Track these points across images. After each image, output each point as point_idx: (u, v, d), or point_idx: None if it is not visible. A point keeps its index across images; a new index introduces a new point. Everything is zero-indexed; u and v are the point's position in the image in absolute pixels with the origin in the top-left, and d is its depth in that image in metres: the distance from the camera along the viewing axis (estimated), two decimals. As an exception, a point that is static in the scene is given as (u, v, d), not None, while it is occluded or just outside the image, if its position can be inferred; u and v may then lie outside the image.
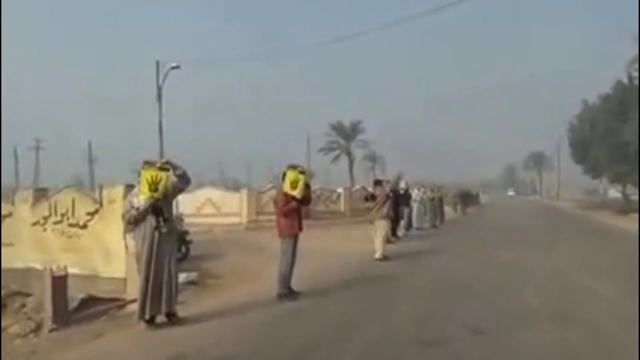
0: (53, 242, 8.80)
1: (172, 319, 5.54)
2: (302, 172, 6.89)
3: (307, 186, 6.99)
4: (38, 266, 8.27)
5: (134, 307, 5.77)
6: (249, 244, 13.04)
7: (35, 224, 9.05)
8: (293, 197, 6.84)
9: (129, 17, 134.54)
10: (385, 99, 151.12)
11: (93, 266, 8.40)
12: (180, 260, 10.40)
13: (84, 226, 8.64)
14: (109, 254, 8.12)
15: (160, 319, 5.48)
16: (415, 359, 4.52)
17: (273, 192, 10.72)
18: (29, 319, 6.91)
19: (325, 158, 57.27)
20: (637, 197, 31.94)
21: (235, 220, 20.84)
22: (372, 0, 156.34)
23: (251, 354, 4.67)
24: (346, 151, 56.98)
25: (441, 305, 6.45)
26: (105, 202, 8.40)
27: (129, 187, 7.06)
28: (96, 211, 8.52)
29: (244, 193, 21.99)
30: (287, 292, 6.76)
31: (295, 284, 7.00)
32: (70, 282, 7.85)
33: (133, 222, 5.61)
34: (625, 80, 29.92)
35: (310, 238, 14.72)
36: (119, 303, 7.43)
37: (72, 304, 7.46)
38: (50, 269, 5.99)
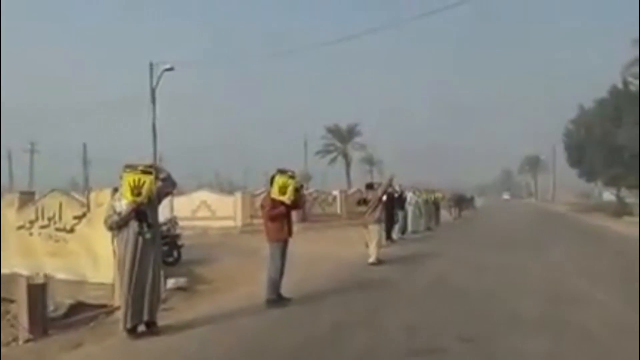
0: (39, 246, 8.64)
1: (153, 328, 5.37)
2: (291, 177, 6.75)
3: (297, 191, 6.85)
4: (24, 271, 8.11)
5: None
6: (243, 247, 12.90)
7: (20, 228, 8.89)
8: (282, 203, 6.71)
9: (125, 17, 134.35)
10: (382, 102, 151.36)
11: (81, 271, 8.26)
12: (171, 264, 10.31)
13: (72, 230, 8.49)
14: (97, 259, 7.95)
15: (141, 328, 5.31)
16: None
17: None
18: (12, 326, 6.73)
19: (323, 161, 57.33)
20: (632, 200, 32.04)
21: (230, 223, 20.72)
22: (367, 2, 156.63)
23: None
24: (343, 154, 56.96)
25: (433, 312, 6.33)
26: (92, 205, 8.25)
27: (117, 191, 6.91)
28: (84, 215, 8.38)
29: (238, 196, 21.85)
30: (276, 299, 6.61)
31: (285, 289, 6.86)
32: (58, 288, 7.75)
33: (115, 227, 5.45)
34: (620, 85, 30.07)
35: (305, 240, 14.66)
36: (107, 309, 7.28)
37: (61, 310, 7.34)
38: (27, 278, 5.80)
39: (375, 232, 10.86)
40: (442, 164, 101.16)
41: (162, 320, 5.66)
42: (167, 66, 21.81)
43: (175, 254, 10.48)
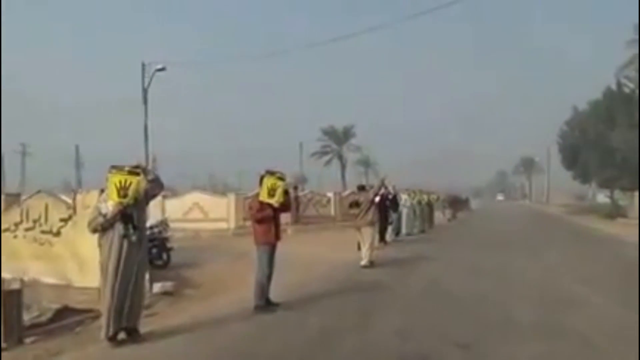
0: (24, 249, 8.45)
1: (134, 335, 5.20)
2: (280, 178, 6.60)
3: (286, 193, 6.70)
4: (7, 275, 7.91)
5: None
6: (234, 250, 12.70)
7: (5, 230, 8.68)
8: (270, 205, 6.56)
9: (121, 17, 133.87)
10: (377, 103, 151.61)
11: (66, 275, 8.10)
12: (161, 267, 10.14)
13: (57, 233, 8.35)
14: (83, 263, 7.80)
15: (122, 335, 5.13)
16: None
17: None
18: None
19: (318, 163, 57.25)
20: (625, 202, 32.12)
21: (223, 225, 20.50)
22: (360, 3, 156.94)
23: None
24: (338, 155, 56.92)
25: (427, 317, 6.20)
26: (79, 207, 8.10)
27: (103, 192, 6.77)
28: (70, 217, 8.24)
29: (231, 198, 21.63)
30: (265, 304, 6.45)
31: (274, 294, 6.70)
32: (43, 292, 7.57)
33: (100, 229, 5.29)
34: (614, 87, 30.18)
35: (297, 242, 14.55)
36: (94, 314, 7.10)
37: (46, 316, 7.16)
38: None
39: (368, 234, 10.72)
40: (437, 165, 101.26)
41: (145, 326, 5.50)
42: (159, 66, 21.66)
43: (164, 256, 10.31)
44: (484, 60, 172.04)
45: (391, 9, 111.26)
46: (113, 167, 5.29)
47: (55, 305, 7.34)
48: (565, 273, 9.49)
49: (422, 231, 19.80)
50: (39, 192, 9.02)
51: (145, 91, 21.86)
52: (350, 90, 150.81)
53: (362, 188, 11.86)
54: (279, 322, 5.97)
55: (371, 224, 10.90)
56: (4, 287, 5.41)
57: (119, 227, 5.20)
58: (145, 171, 5.47)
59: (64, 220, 8.27)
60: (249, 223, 18.84)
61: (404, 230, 17.99)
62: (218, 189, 33.22)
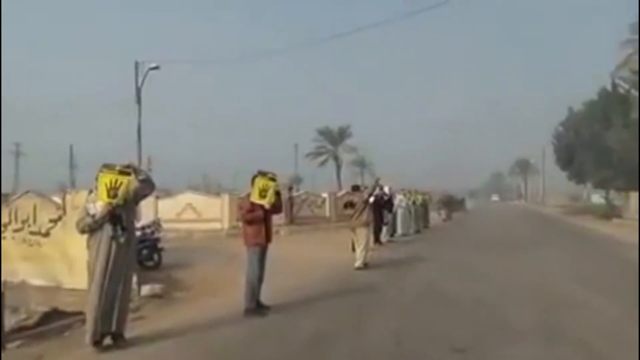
0: (12, 250, 8.30)
1: (119, 340, 5.08)
2: (272, 179, 6.50)
3: (277, 194, 6.60)
4: (-6, 277, 7.77)
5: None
6: (227, 251, 12.57)
7: (-7, 231, 8.54)
8: (261, 206, 6.45)
9: (115, 16, 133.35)
10: (373, 103, 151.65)
11: (56, 277, 7.99)
12: (152, 268, 10.01)
13: (46, 234, 8.25)
14: (72, 264, 7.68)
15: (107, 341, 4.99)
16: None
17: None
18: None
19: (314, 163, 57.10)
20: (620, 203, 32.16)
21: (217, 226, 20.37)
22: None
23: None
24: (334, 156, 56.78)
25: (422, 320, 6.10)
26: (68, 208, 7.98)
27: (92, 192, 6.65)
28: (59, 218, 8.13)
29: (225, 198, 21.49)
30: (256, 307, 6.33)
31: (266, 297, 6.59)
32: (31, 294, 7.43)
33: (88, 230, 5.18)
34: (609, 87, 30.24)
35: (290, 243, 14.46)
36: (83, 317, 6.97)
37: (33, 319, 7.03)
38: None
39: (362, 235, 10.61)
40: (433, 166, 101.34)
41: (132, 330, 5.38)
42: (153, 65, 21.46)
43: (155, 257, 10.18)
44: (481, 59, 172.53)
45: (389, 8, 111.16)
46: (105, 166, 5.18)
47: (43, 308, 7.21)
48: (564, 275, 9.38)
49: (418, 231, 19.74)
50: (27, 192, 8.87)
51: (138, 90, 21.66)
52: (347, 90, 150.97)
53: (356, 188, 11.75)
54: (270, 326, 5.85)
55: (366, 224, 10.79)
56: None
57: (108, 229, 5.09)
58: (136, 171, 5.36)
59: (54, 221, 8.16)
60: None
61: (399, 231, 17.92)
62: (212, 190, 33.04)
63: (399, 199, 18.10)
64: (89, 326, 4.97)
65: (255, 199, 6.45)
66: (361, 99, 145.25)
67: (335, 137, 56.83)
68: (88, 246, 5.91)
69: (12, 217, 8.45)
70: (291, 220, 21.31)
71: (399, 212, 18.05)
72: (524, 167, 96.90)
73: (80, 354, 4.87)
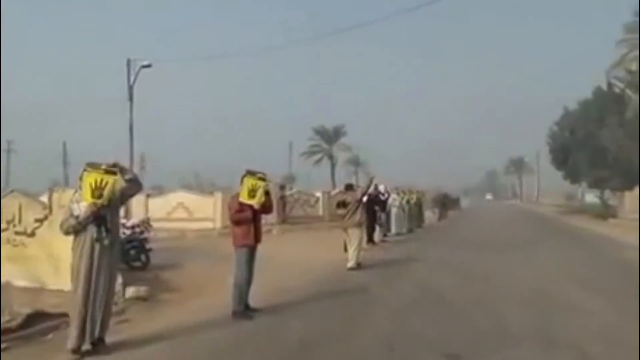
0: (-4, 251, 8.12)
1: (99, 346, 4.90)
2: (261, 179, 6.36)
3: (267, 194, 6.45)
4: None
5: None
6: (219, 251, 12.38)
7: (-23, 231, 8.35)
8: (250, 206, 6.30)
9: (108, 14, 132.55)
10: (368, 102, 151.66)
11: (40, 278, 7.81)
12: (139, 269, 9.83)
13: (32, 234, 8.07)
14: (58, 265, 7.49)
15: (86, 346, 4.81)
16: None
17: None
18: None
19: (308, 162, 56.94)
20: (614, 202, 32.20)
21: (209, 225, 20.16)
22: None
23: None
24: (328, 155, 56.66)
25: (415, 324, 5.94)
26: (55, 207, 7.81)
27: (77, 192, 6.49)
28: (45, 217, 7.95)
29: (218, 197, 21.28)
30: (244, 310, 6.17)
31: (255, 298, 6.44)
32: (15, 296, 7.26)
33: (72, 232, 5.02)
34: (604, 87, 30.27)
35: (282, 242, 14.32)
36: (69, 319, 6.81)
37: (17, 321, 6.86)
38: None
39: (355, 235, 10.46)
40: (429, 165, 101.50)
41: (116, 334, 5.21)
42: (145, 63, 21.27)
43: (143, 258, 9.97)
44: (478, 59, 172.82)
45: (384, 7, 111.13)
46: (89, 164, 5.00)
47: (27, 310, 7.04)
48: (561, 276, 9.28)
49: (411, 231, 19.64)
50: (12, 191, 8.70)
51: (130, 88, 21.47)
52: (341, 88, 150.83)
53: (349, 187, 11.57)
54: (258, 330, 5.68)
55: (358, 224, 10.63)
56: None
57: (92, 230, 4.93)
58: (122, 170, 5.20)
59: (39, 221, 7.99)
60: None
61: (393, 230, 17.82)
62: (205, 188, 32.83)
63: (392, 198, 17.99)
64: (72, 331, 4.81)
65: (243, 199, 6.30)
66: (356, 97, 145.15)
67: (330, 136, 56.71)
68: (73, 248, 5.76)
69: (-4, 217, 8.27)
70: (283, 220, 21.15)
71: (393, 211, 17.95)
72: (518, 166, 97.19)
73: (61, 360, 4.70)
